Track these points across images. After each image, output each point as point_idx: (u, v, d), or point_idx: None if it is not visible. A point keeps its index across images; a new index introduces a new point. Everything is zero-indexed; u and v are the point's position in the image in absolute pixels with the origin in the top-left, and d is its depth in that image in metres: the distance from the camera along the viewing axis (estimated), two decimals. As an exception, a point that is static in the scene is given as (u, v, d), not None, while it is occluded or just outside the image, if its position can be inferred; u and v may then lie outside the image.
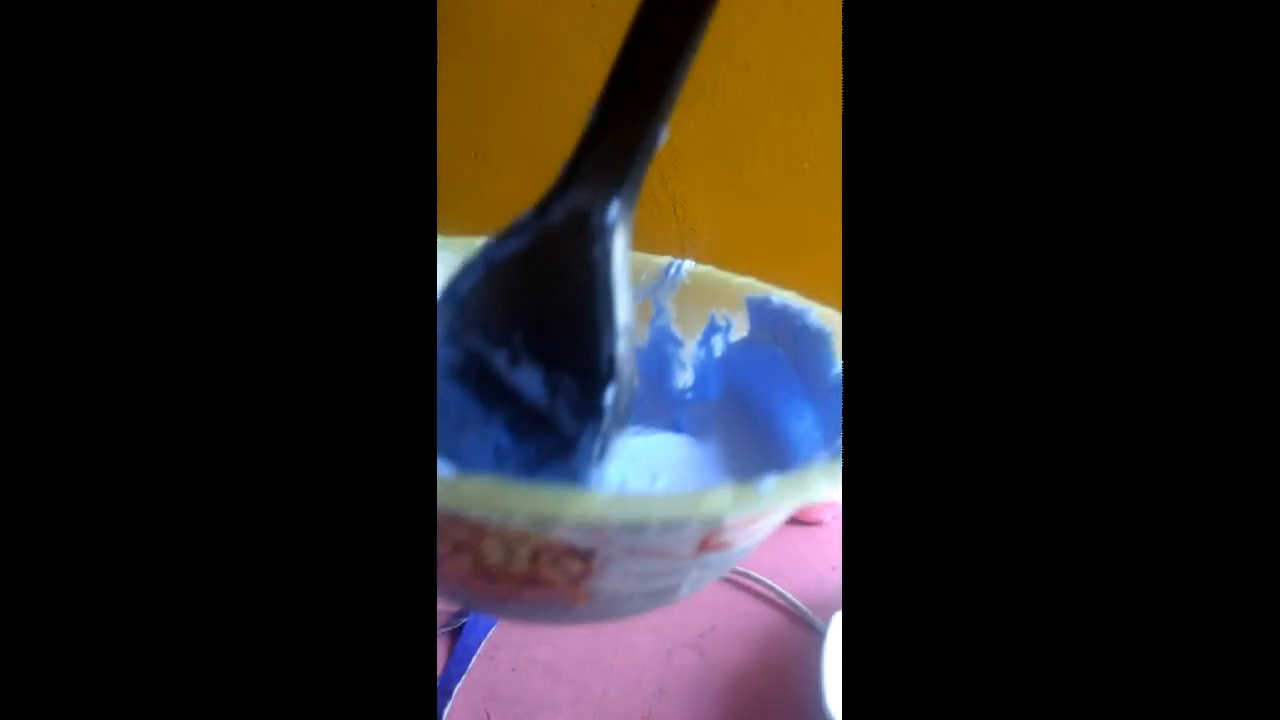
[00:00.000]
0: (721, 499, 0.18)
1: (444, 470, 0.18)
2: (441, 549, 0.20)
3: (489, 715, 0.35)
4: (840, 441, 0.21)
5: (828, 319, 0.30)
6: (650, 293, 0.35)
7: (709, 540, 0.21)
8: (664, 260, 0.34)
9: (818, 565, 0.46)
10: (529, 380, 0.23)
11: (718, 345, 0.34)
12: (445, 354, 0.24)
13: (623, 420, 0.23)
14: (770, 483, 0.19)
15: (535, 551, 0.20)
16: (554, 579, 0.21)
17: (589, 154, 0.23)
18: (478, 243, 0.27)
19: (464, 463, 0.24)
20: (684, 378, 0.35)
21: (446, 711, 0.35)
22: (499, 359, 0.24)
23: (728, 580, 0.45)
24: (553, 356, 0.23)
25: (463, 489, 0.18)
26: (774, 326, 0.31)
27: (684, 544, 0.20)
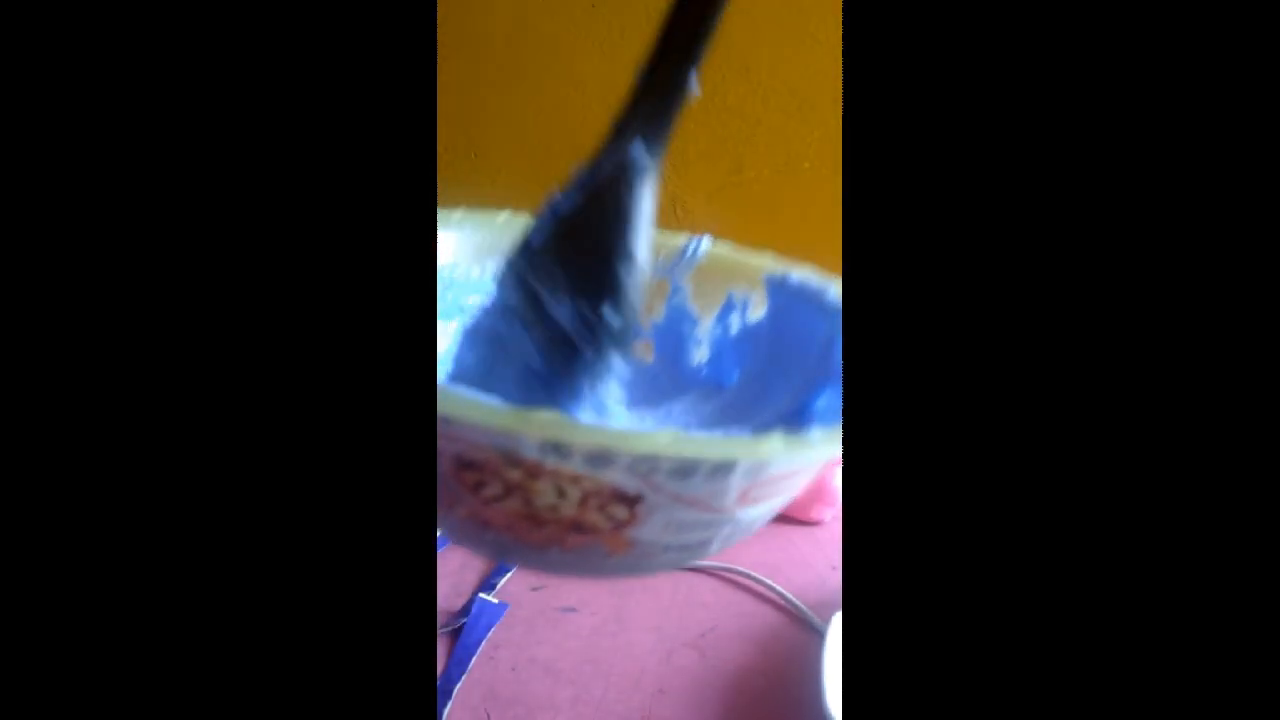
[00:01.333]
0: (773, 443, 0.20)
1: (499, 401, 0.19)
2: (493, 490, 0.22)
3: (489, 715, 0.35)
4: None
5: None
6: (668, 271, 0.35)
7: (748, 492, 0.22)
8: (681, 239, 0.35)
9: (818, 565, 0.46)
10: (562, 309, 0.27)
11: (734, 323, 0.35)
12: (511, 294, 0.28)
13: (622, 341, 0.27)
14: (818, 433, 0.21)
15: (585, 495, 0.21)
16: (599, 525, 0.22)
17: (633, 115, 0.27)
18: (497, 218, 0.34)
19: (501, 385, 0.27)
20: (699, 355, 0.36)
21: (447, 711, 0.35)
22: (546, 294, 0.27)
23: (728, 580, 0.45)
24: (582, 287, 0.27)
25: (533, 419, 0.19)
26: (792, 303, 0.32)
27: (726, 494, 0.22)
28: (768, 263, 0.34)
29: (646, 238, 0.27)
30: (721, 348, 0.35)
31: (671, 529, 0.22)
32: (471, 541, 0.25)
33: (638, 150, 0.27)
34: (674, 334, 0.36)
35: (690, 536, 0.23)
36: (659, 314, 0.36)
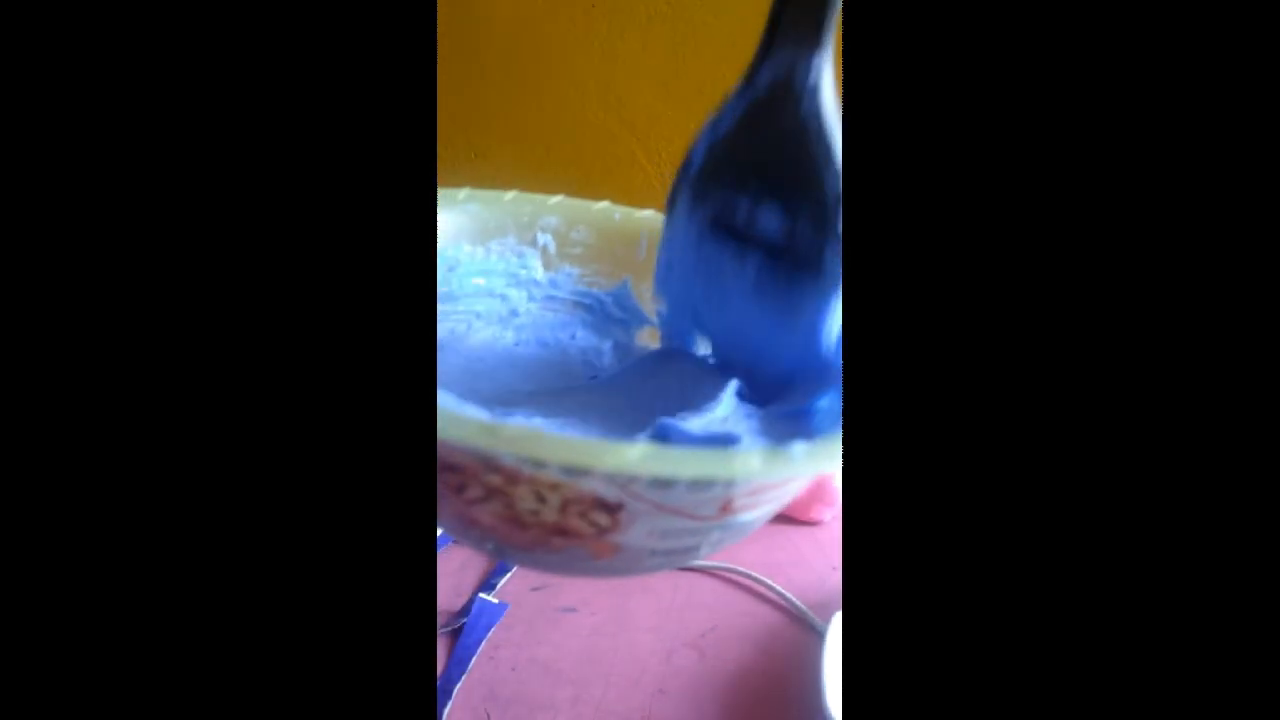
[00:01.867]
0: (750, 461, 0.19)
1: (486, 413, 0.19)
2: (475, 493, 0.22)
3: (489, 715, 0.35)
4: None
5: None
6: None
7: (732, 503, 0.22)
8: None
9: (818, 565, 0.46)
10: (768, 220, 0.28)
11: None
12: (698, 215, 0.29)
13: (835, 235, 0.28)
14: (800, 448, 0.20)
15: (565, 502, 0.21)
16: (581, 530, 0.22)
17: (781, 19, 0.26)
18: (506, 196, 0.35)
19: (724, 301, 0.29)
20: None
21: (447, 711, 0.35)
22: (741, 210, 0.28)
23: (728, 580, 0.45)
24: (786, 199, 0.28)
25: (503, 433, 0.19)
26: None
27: (709, 504, 0.21)
28: None
29: (835, 138, 0.26)
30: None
31: (656, 535, 0.22)
32: (464, 538, 0.25)
33: (799, 68, 0.26)
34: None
35: (677, 542, 0.23)
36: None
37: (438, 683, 0.37)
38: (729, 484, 0.21)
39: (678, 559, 0.25)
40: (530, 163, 0.62)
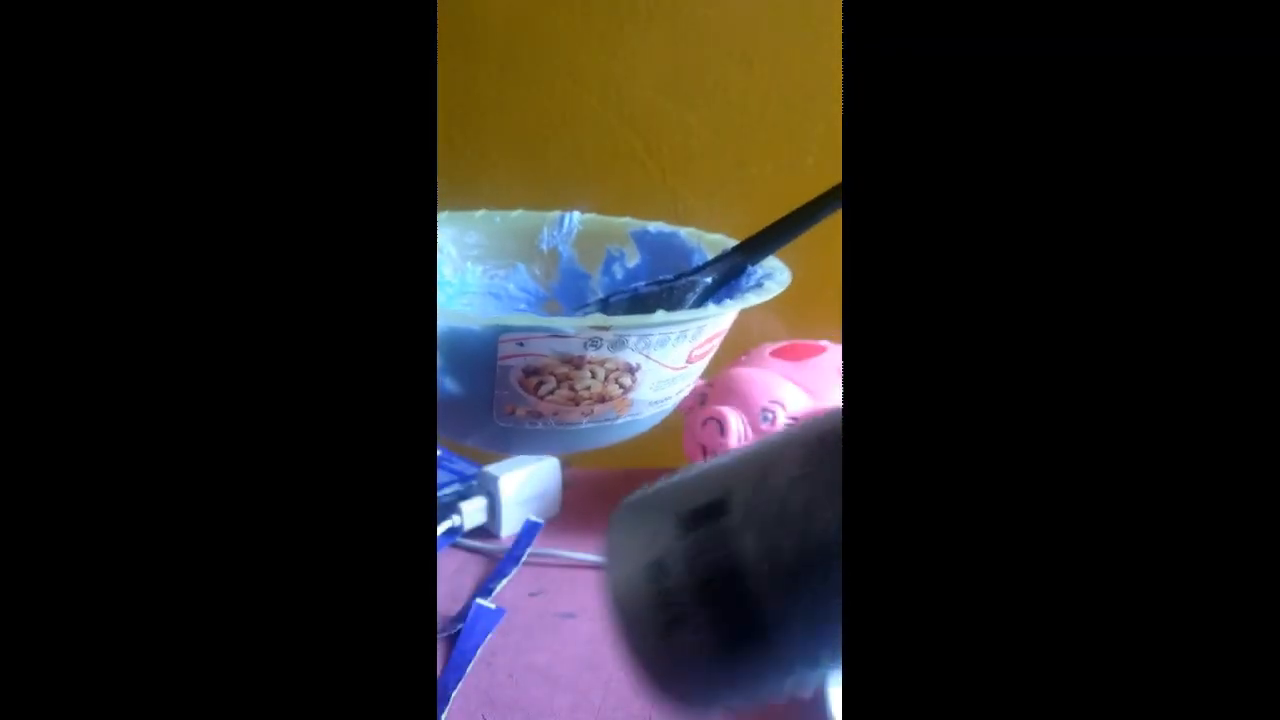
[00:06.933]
0: (709, 310, 0.33)
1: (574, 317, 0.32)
2: (548, 386, 0.32)
3: (486, 722, 0.35)
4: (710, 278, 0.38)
5: (692, 235, 0.42)
6: (554, 243, 0.44)
7: (692, 353, 0.34)
8: (556, 214, 0.44)
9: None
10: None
11: (618, 271, 0.44)
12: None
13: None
14: (727, 303, 0.34)
15: (608, 373, 0.32)
16: (614, 393, 0.33)
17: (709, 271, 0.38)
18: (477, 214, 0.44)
19: None
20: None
21: (443, 718, 0.35)
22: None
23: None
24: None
25: (585, 319, 0.31)
26: (658, 247, 0.43)
27: (684, 356, 0.34)
28: (630, 221, 0.43)
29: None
30: (614, 290, 0.44)
31: (654, 388, 0.34)
32: (522, 438, 0.34)
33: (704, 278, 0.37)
34: (574, 290, 0.44)
35: (665, 393, 0.35)
36: (555, 278, 0.45)
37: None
38: (694, 335, 0.33)
39: (660, 411, 0.36)
40: (529, 158, 0.61)
